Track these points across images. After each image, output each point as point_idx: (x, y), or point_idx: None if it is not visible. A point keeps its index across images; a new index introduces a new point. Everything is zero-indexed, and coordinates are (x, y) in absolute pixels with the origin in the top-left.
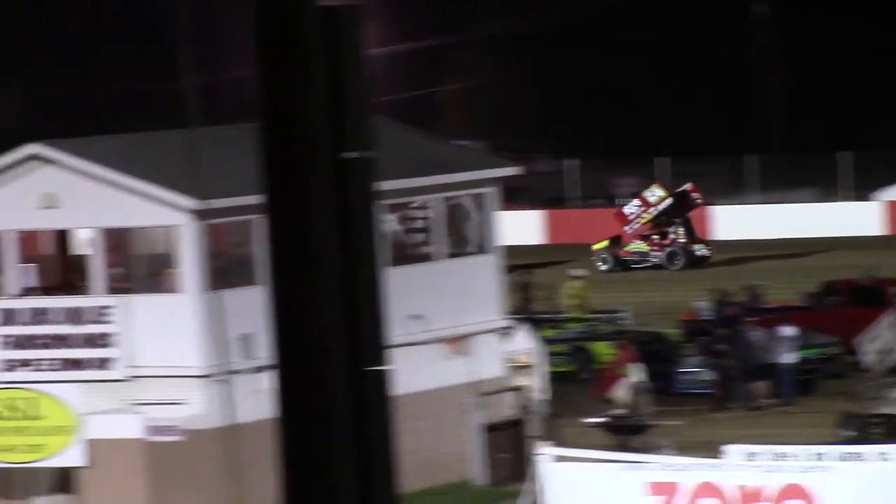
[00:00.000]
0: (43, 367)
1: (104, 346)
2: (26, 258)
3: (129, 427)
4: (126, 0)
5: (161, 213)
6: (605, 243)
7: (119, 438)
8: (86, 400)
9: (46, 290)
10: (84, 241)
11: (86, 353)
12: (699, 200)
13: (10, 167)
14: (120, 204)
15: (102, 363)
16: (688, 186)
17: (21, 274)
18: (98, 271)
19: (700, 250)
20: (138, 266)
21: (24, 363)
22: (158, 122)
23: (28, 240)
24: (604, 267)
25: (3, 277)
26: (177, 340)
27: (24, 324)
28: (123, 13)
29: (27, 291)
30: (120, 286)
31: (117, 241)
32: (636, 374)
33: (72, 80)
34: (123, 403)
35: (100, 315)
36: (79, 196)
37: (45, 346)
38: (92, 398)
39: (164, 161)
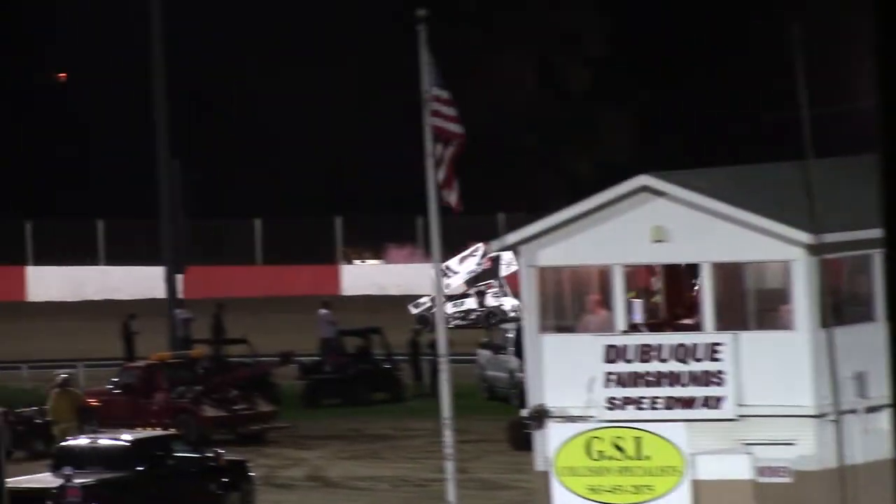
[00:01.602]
0: (650, 406)
1: (713, 384)
2: (632, 293)
3: (738, 468)
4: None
5: (774, 247)
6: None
7: (728, 479)
8: (693, 440)
9: (652, 327)
10: (692, 276)
11: (694, 391)
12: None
13: (620, 199)
14: (731, 238)
15: (711, 402)
16: None
17: (629, 309)
18: (708, 307)
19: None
20: (749, 302)
21: (631, 401)
22: (769, 153)
23: (634, 274)
24: None
25: (610, 313)
26: (787, 378)
27: (632, 361)
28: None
29: (633, 328)
30: (729, 322)
31: (727, 276)
32: None
33: (681, 108)
34: (732, 443)
35: (709, 352)
36: (688, 229)
37: (653, 383)
38: (699, 438)
39: (776, 194)
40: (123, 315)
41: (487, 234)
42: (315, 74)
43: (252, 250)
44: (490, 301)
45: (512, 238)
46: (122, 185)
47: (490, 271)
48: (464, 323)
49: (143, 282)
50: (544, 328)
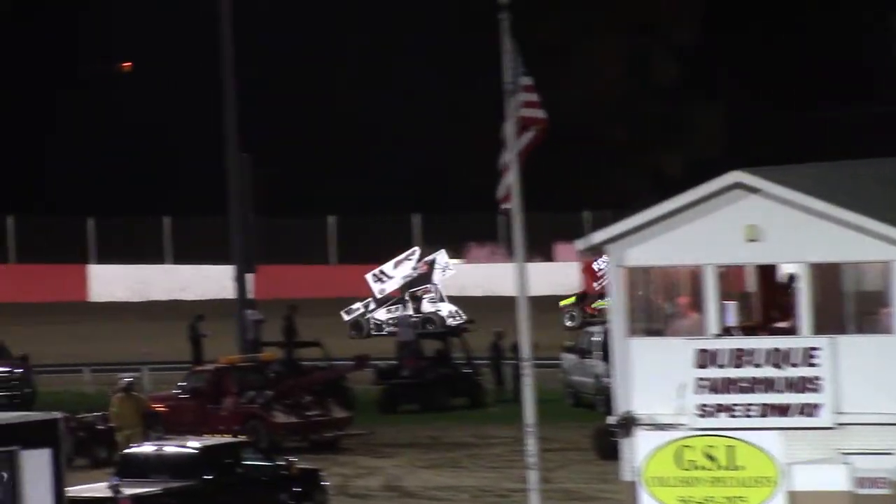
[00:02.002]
0: (743, 413)
1: (810, 390)
2: (725, 294)
3: (835, 478)
4: None
5: (875, 247)
6: (572, 299)
7: (825, 490)
8: (788, 449)
9: (746, 329)
10: (787, 277)
11: (790, 398)
12: None
13: (712, 196)
14: (828, 237)
15: (807, 409)
16: None
17: (722, 312)
18: (805, 310)
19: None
20: (847, 304)
21: (724, 408)
22: (871, 147)
23: (728, 274)
24: (570, 323)
25: (702, 315)
26: (887, 385)
27: (725, 366)
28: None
29: (726, 331)
30: (827, 326)
31: (825, 277)
32: None
33: (776, 101)
34: (829, 453)
35: (806, 357)
36: (784, 228)
37: (746, 389)
38: (794, 447)
39: (877, 191)
40: (190, 316)
41: (572, 233)
42: (392, 67)
43: (326, 249)
44: (426, 307)
45: (598, 237)
46: (190, 181)
47: (426, 276)
48: (398, 330)
49: (211, 281)
50: (632, 331)
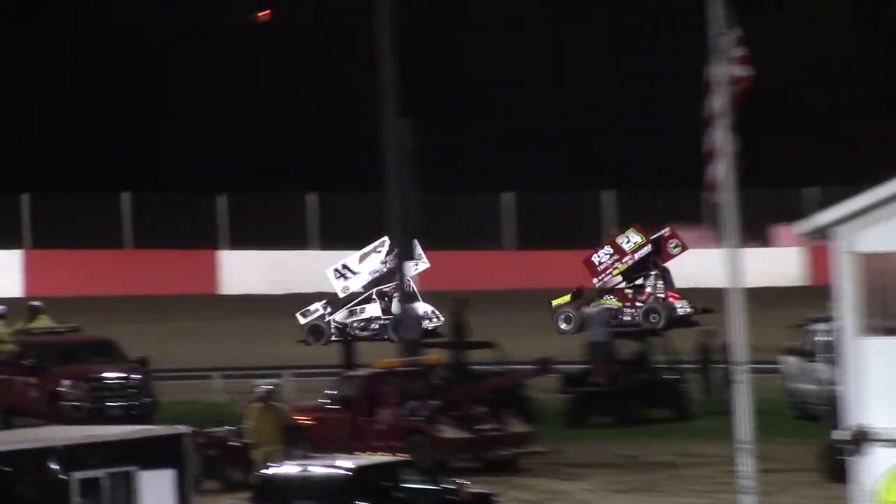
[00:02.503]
0: None
1: None
2: None
3: None
4: None
5: None
6: (566, 298)
7: None
8: None
9: None
10: None
11: None
12: (678, 248)
13: None
14: None
15: None
16: (665, 231)
17: None
18: None
19: (682, 307)
20: None
21: None
22: None
23: None
24: (565, 326)
25: None
26: None
27: None
28: None
29: None
30: None
31: None
32: None
33: None
34: None
35: None
36: None
37: None
38: None
39: None
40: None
41: (793, 213)
42: (575, 24)
43: (500, 232)
44: (398, 307)
45: (825, 217)
46: (337, 152)
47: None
48: (365, 335)
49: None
50: (866, 329)
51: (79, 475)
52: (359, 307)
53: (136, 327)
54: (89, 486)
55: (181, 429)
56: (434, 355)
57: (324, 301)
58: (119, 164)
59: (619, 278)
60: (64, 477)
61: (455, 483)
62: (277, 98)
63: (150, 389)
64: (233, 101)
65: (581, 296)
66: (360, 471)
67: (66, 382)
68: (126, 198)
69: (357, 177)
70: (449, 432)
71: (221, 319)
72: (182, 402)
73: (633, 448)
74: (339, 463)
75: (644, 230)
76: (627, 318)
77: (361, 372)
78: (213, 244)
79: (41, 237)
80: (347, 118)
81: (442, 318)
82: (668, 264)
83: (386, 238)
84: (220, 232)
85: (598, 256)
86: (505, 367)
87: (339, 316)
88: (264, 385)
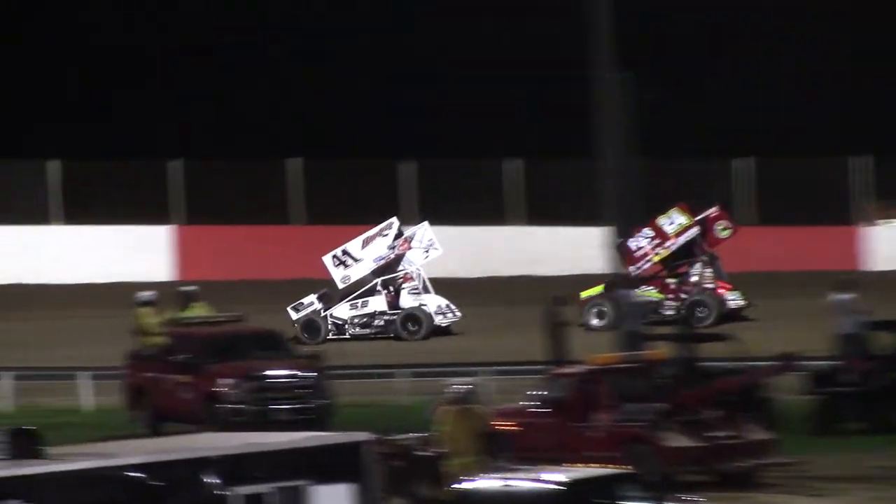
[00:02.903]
0: None
1: None
2: None
3: None
4: None
5: None
6: (598, 289)
7: None
8: None
9: None
10: None
11: None
12: (727, 231)
13: None
14: None
15: None
16: (713, 211)
17: None
18: None
19: (735, 299)
20: None
21: None
22: None
23: None
24: (597, 322)
25: None
26: None
27: None
28: None
29: None
30: None
31: None
32: None
33: None
34: None
35: None
36: None
37: None
38: None
39: None
40: (546, 298)
41: None
42: None
43: (734, 202)
44: (407, 300)
45: None
46: (542, 112)
47: (402, 258)
48: (367, 332)
49: (571, 249)
50: None
51: (241, 490)
52: (360, 300)
53: None
54: None
55: (361, 436)
56: (657, 350)
57: (319, 293)
58: (285, 128)
59: (660, 266)
60: (223, 493)
61: (683, 500)
62: (469, 59)
63: (325, 389)
64: (420, 64)
65: (615, 285)
66: (572, 485)
67: (226, 381)
68: (295, 164)
69: (566, 140)
70: (676, 440)
71: None
72: (362, 404)
73: (893, 459)
74: (546, 476)
75: (689, 209)
76: (669, 313)
77: (573, 369)
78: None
79: (195, 211)
80: (556, 70)
81: (458, 314)
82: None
83: (395, 219)
84: (404, 201)
85: (636, 240)
86: (743, 363)
87: (339, 310)
88: (460, 385)
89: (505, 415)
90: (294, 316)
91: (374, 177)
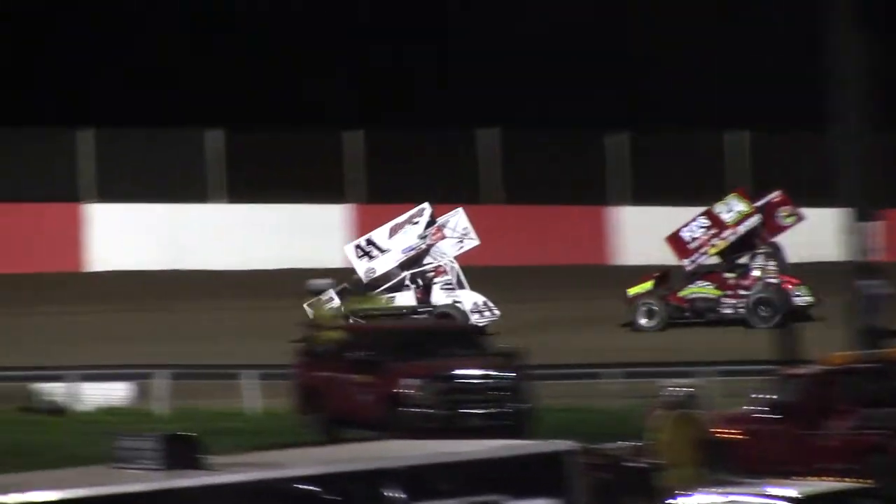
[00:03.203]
0: None
1: None
2: None
3: None
4: None
5: None
6: (647, 285)
7: None
8: None
9: None
10: None
11: None
12: (791, 218)
13: None
14: None
15: None
16: (775, 196)
17: None
18: None
19: (802, 295)
20: None
21: None
22: None
23: None
24: (646, 322)
25: None
26: None
27: None
28: None
29: None
30: None
31: None
32: None
33: None
34: None
35: None
36: None
37: None
38: None
39: None
40: None
41: None
42: None
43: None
44: (438, 296)
45: None
46: (770, 82)
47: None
48: None
49: (799, 233)
50: None
51: None
52: (386, 296)
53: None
54: None
55: (564, 444)
56: None
57: (339, 286)
58: (475, 97)
59: (717, 258)
60: None
61: None
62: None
63: (525, 392)
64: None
65: (666, 281)
66: (804, 502)
67: (411, 382)
68: (491, 134)
69: (794, 111)
70: None
71: (614, 299)
72: (566, 408)
73: None
74: (774, 491)
75: (749, 195)
76: (728, 311)
77: (806, 370)
78: (601, 199)
79: (374, 188)
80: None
81: (497, 312)
82: (780, 238)
83: (426, 205)
84: (609, 181)
85: (690, 230)
86: None
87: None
88: (679, 387)
89: (728, 421)
90: (311, 313)
91: (581, 149)
